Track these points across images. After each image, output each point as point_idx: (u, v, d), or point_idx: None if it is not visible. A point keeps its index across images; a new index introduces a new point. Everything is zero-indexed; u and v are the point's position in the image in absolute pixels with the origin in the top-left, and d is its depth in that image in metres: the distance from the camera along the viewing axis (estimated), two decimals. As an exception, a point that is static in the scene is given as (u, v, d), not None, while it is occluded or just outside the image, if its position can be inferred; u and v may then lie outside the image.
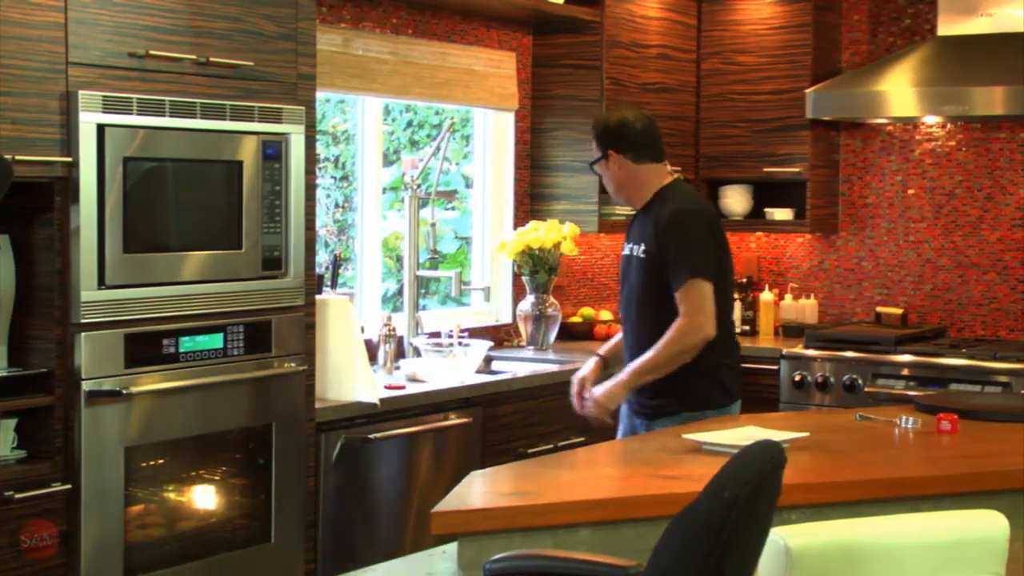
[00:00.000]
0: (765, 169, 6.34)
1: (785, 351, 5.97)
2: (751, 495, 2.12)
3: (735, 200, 6.49)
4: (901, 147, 6.40)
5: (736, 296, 6.41)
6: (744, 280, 6.55)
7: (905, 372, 5.71)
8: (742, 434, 3.54)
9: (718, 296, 4.12)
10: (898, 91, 5.86)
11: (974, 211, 6.25)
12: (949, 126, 6.28)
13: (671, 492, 3.03)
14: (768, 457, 2.19)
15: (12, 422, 3.47)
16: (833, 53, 6.43)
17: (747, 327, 6.44)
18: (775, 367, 5.96)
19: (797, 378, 5.88)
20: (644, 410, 4.21)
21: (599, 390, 4.19)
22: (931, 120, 6.18)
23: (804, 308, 6.47)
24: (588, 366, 4.36)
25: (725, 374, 4.23)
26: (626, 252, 4.33)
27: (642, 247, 4.21)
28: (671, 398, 4.14)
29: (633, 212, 4.39)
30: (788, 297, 6.52)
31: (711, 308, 4.08)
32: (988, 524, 2.55)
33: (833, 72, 6.34)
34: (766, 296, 6.48)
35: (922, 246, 6.36)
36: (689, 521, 2.13)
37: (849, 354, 5.82)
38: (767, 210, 6.44)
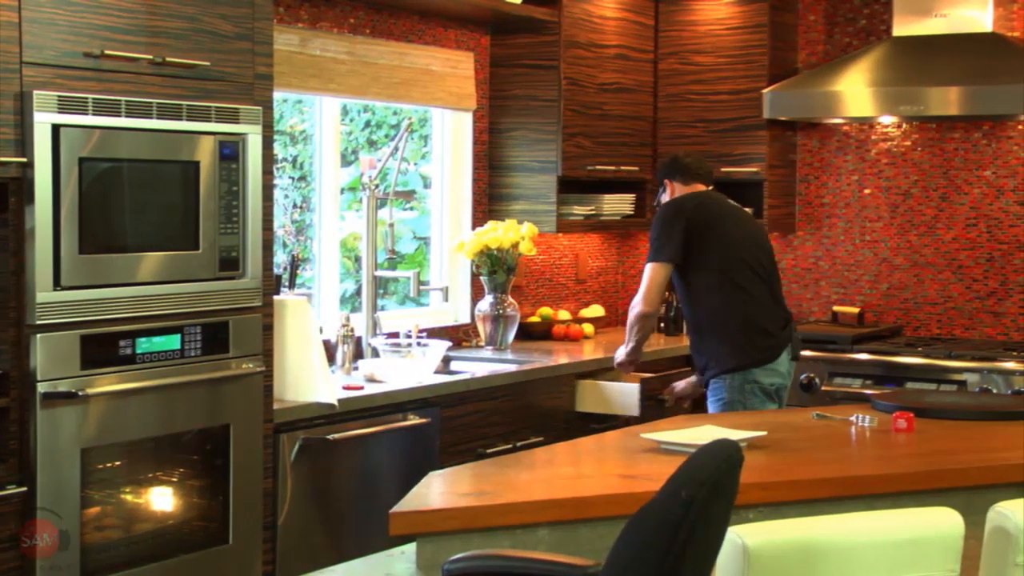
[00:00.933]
0: (723, 169, 6.35)
1: (743, 350, 5.98)
2: (708, 494, 2.13)
3: (693, 200, 6.51)
4: (857, 147, 6.44)
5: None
6: (702, 279, 6.56)
7: (862, 371, 5.74)
8: (699, 433, 3.56)
9: (703, 278, 4.93)
10: (854, 91, 5.90)
11: (929, 211, 6.30)
12: (905, 126, 6.32)
13: (628, 492, 3.04)
14: (725, 456, 2.20)
15: (-34, 424, 3.45)
16: (789, 53, 6.47)
17: (705, 326, 6.45)
18: (733, 366, 5.98)
19: (755, 377, 5.90)
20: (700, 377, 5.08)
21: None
22: (887, 120, 6.23)
23: (761, 307, 6.48)
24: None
25: (740, 335, 4.91)
26: None
27: None
28: (709, 359, 4.98)
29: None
30: (746, 296, 6.54)
31: (651, 290, 4.92)
32: (944, 522, 2.58)
33: (790, 72, 6.38)
34: (724, 295, 6.50)
35: (878, 245, 6.41)
36: (646, 520, 2.14)
37: (806, 353, 5.85)
38: (725, 210, 6.45)
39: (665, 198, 5.11)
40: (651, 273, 4.92)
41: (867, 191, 6.43)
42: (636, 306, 4.96)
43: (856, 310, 6.37)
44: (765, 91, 6.13)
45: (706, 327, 4.97)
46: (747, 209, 5.33)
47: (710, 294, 4.94)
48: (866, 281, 6.44)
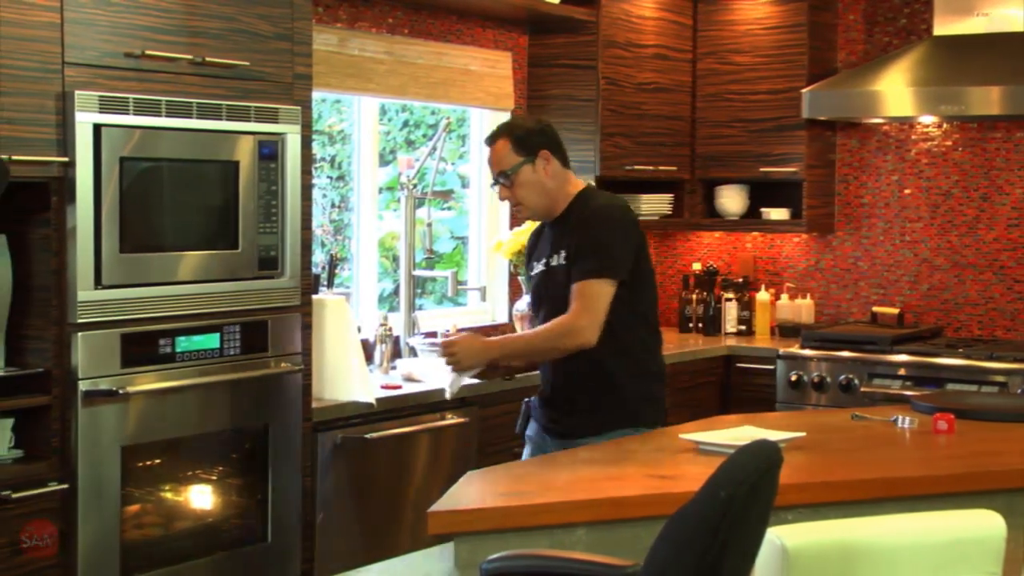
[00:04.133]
0: (761, 169, 6.34)
1: (781, 351, 5.97)
2: (748, 495, 2.13)
3: (731, 200, 6.50)
4: (897, 147, 6.40)
5: (733, 296, 6.44)
6: (740, 280, 6.55)
7: (901, 372, 5.71)
8: (738, 434, 3.55)
9: (640, 303, 3.87)
10: (894, 91, 5.87)
11: (970, 211, 6.25)
12: (945, 126, 6.28)
13: (667, 492, 3.03)
14: (765, 457, 2.19)
15: (9, 422, 3.47)
16: (829, 53, 6.43)
17: (743, 327, 6.44)
18: (771, 367, 5.97)
19: (793, 378, 5.89)
20: (558, 428, 3.90)
21: (464, 342, 3.87)
22: (927, 120, 6.18)
23: (800, 308, 6.47)
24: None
25: (656, 386, 3.96)
26: (539, 269, 3.95)
27: (563, 254, 3.85)
28: (620, 412, 3.84)
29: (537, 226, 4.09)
30: (784, 297, 6.53)
31: (601, 314, 3.73)
32: (985, 524, 2.56)
33: (829, 72, 6.34)
34: (762, 296, 6.49)
35: (918, 246, 6.37)
36: (686, 521, 2.13)
37: (845, 354, 5.83)
38: (763, 210, 6.44)
39: (526, 180, 3.90)
40: (604, 292, 3.75)
41: (907, 191, 6.39)
42: (581, 333, 3.72)
43: (896, 311, 6.33)
44: (804, 91, 6.10)
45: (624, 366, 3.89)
46: None
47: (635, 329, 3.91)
48: (906, 282, 6.40)
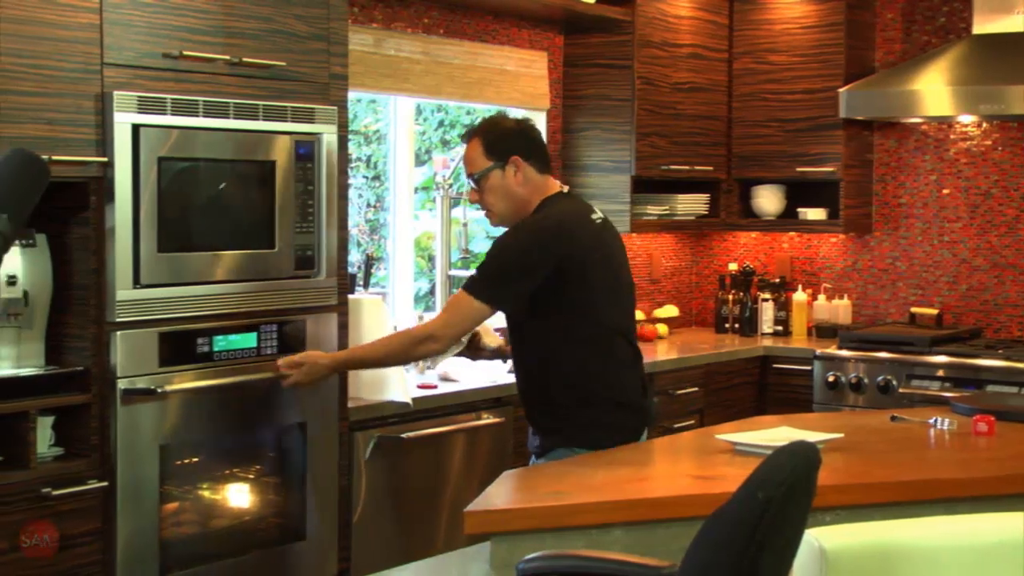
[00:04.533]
0: (798, 168, 6.31)
1: (818, 352, 5.95)
2: (786, 496, 2.11)
3: (768, 200, 6.48)
4: (936, 146, 6.36)
5: (769, 296, 6.42)
6: (777, 280, 6.53)
7: (940, 373, 5.68)
8: (775, 435, 3.53)
9: (579, 327, 3.62)
10: (933, 90, 5.83)
11: (1010, 211, 6.21)
12: (985, 125, 6.24)
13: (704, 493, 3.02)
14: (803, 458, 2.18)
15: (49, 420, 3.49)
16: (867, 52, 6.40)
17: (779, 327, 6.42)
18: (808, 368, 5.95)
19: (831, 379, 5.86)
20: (534, 450, 3.74)
21: (307, 359, 3.85)
22: (966, 119, 6.14)
23: (838, 308, 6.44)
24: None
25: (611, 413, 3.67)
26: None
27: None
28: (558, 436, 3.66)
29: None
30: (821, 297, 6.50)
31: (458, 328, 3.63)
32: (1025, 526, 2.54)
33: (867, 71, 6.31)
34: (799, 296, 6.46)
35: (957, 246, 6.33)
36: (723, 522, 2.12)
37: (883, 355, 5.80)
38: (800, 210, 6.41)
39: (494, 186, 3.72)
40: (470, 311, 3.62)
41: (946, 191, 6.35)
42: (432, 343, 3.67)
43: (935, 311, 6.29)
44: (841, 90, 6.07)
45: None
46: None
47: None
48: (944, 282, 6.36)
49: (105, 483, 3.53)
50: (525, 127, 3.78)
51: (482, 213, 3.89)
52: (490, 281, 3.59)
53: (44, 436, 3.48)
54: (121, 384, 3.55)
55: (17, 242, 3.38)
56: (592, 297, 3.64)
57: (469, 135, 3.79)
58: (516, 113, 5.96)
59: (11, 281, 3.40)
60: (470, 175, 3.78)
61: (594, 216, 3.76)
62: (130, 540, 3.58)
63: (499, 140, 3.72)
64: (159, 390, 3.62)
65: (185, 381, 3.70)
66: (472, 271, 3.70)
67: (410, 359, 3.83)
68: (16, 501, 3.35)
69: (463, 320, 3.62)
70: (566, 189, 3.83)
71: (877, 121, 6.37)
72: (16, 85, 3.32)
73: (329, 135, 4.05)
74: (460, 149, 5.51)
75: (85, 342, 3.53)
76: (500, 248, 3.63)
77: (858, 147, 6.37)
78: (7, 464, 3.39)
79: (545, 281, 3.57)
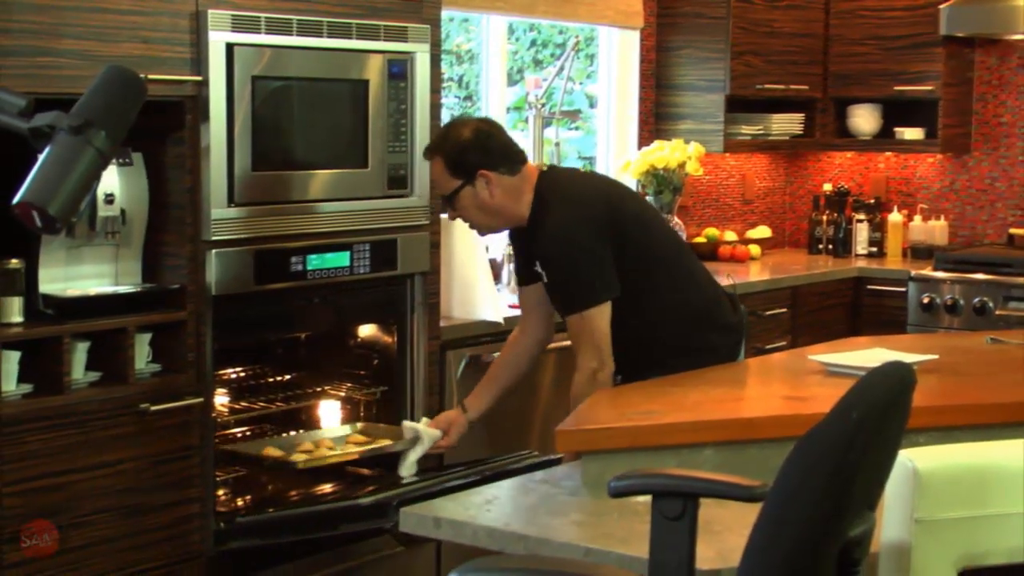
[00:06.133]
0: (895, 87, 6.20)
1: (913, 273, 5.87)
2: (880, 416, 2.10)
3: (864, 119, 6.37)
4: (1039, 64, 6.21)
5: (864, 217, 6.34)
6: (872, 201, 6.44)
7: (1038, 295, 5.58)
8: (869, 356, 3.50)
9: (656, 280, 3.57)
10: (1037, 6, 5.68)
11: (1114, 130, 6.06)
12: (1090, 42, 6.08)
13: (796, 413, 3.01)
14: (898, 378, 2.16)
15: (147, 336, 3.55)
16: (969, -33, 6.24)
17: (874, 248, 6.35)
18: (903, 289, 5.88)
19: (925, 300, 5.79)
20: None
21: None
22: (1071, 36, 5.99)
23: (934, 229, 6.34)
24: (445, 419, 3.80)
25: (706, 345, 3.64)
26: (520, 262, 3.72)
27: (539, 266, 3.55)
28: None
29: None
30: (917, 218, 6.40)
31: (604, 341, 3.46)
32: (1124, 449, 2.49)
33: (968, -13, 6.16)
34: (895, 217, 6.37)
35: (1058, 166, 6.19)
36: (816, 441, 2.11)
37: (980, 276, 5.71)
38: (897, 129, 6.31)
39: (467, 204, 3.54)
40: (594, 323, 3.48)
41: (1048, 110, 6.20)
42: (595, 377, 3.48)
43: (1034, 233, 6.18)
44: (942, 6, 5.93)
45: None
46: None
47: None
48: (1045, 203, 6.23)
49: (201, 399, 3.58)
50: (481, 135, 3.52)
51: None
52: (586, 283, 3.47)
53: (142, 352, 3.54)
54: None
55: (114, 161, 3.41)
56: (651, 246, 3.58)
57: (429, 153, 3.59)
58: (609, 31, 5.90)
59: (109, 199, 3.45)
60: (441, 196, 3.62)
61: (590, 177, 3.67)
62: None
63: (461, 156, 3.49)
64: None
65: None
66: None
67: (591, 395, 3.38)
68: (117, 415, 3.43)
69: (592, 334, 3.45)
70: (545, 167, 3.66)
71: (978, 38, 6.22)
72: (113, 3, 3.35)
73: (422, 54, 4.04)
74: (552, 69, 5.49)
75: (181, 260, 3.58)
76: (561, 259, 3.47)
77: (958, 65, 6.23)
78: (107, 379, 3.45)
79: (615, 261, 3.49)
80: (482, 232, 3.70)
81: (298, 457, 3.70)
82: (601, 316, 3.45)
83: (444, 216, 3.83)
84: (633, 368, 3.56)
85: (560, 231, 3.46)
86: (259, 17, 3.61)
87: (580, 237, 3.45)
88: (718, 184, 6.44)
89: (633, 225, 3.55)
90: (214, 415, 3.66)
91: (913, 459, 2.32)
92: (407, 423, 3.76)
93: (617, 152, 5.98)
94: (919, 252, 6.25)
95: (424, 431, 3.68)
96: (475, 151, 3.50)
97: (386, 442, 3.82)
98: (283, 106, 3.77)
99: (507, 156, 3.53)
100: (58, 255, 3.43)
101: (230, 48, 3.56)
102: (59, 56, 3.25)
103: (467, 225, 3.67)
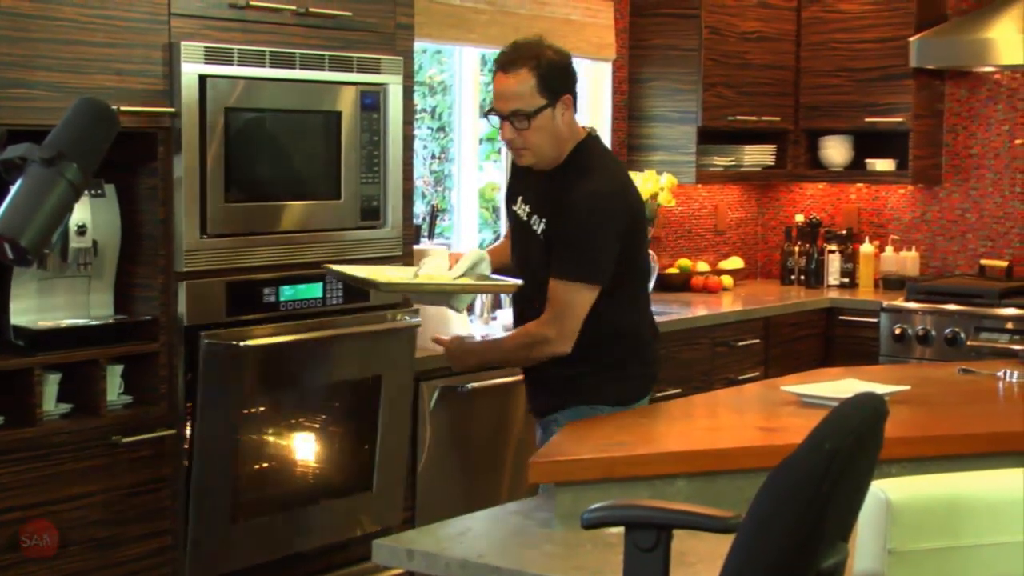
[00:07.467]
0: (867, 119, 6.24)
1: (885, 304, 5.90)
2: (852, 447, 2.10)
3: (835, 151, 6.41)
4: (1009, 96, 6.26)
5: (836, 248, 6.37)
6: (844, 232, 6.47)
7: (1009, 326, 5.61)
8: (842, 387, 3.51)
9: (628, 292, 3.46)
10: (1007, 38, 5.73)
11: (1083, 162, 6.11)
12: (1058, 74, 6.13)
13: (769, 444, 3.02)
14: (871, 409, 2.16)
15: (119, 368, 3.54)
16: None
17: (846, 279, 6.37)
18: (875, 320, 5.90)
19: (897, 331, 5.81)
20: (534, 409, 3.59)
21: (456, 344, 3.64)
22: (1039, 68, 6.04)
23: (905, 260, 6.37)
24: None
25: (631, 371, 3.52)
26: (522, 216, 3.48)
27: (543, 223, 3.41)
28: (560, 397, 3.46)
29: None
30: (889, 249, 6.43)
31: (575, 322, 3.32)
32: (1095, 480, 2.51)
33: (939, 19, 6.20)
34: (866, 248, 6.40)
35: (1028, 197, 6.23)
36: (789, 472, 2.11)
37: (951, 307, 5.74)
38: (868, 161, 6.34)
39: (541, 127, 3.34)
40: (581, 300, 3.35)
41: (1018, 141, 6.24)
42: (550, 344, 3.35)
43: (1004, 263, 6.21)
44: (912, 39, 5.98)
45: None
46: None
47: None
48: (1015, 234, 6.27)
49: (174, 431, 3.57)
50: (569, 59, 3.41)
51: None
52: (591, 258, 3.32)
53: (114, 384, 3.53)
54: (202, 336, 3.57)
55: (86, 192, 3.40)
56: (636, 259, 3.49)
57: (517, 63, 3.32)
58: (581, 63, 5.92)
59: (81, 231, 3.44)
60: (517, 111, 3.33)
61: (625, 171, 3.58)
62: (200, 488, 3.62)
63: (556, 75, 3.33)
64: (239, 344, 3.61)
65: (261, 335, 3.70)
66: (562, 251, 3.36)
67: (533, 362, 3.44)
68: (88, 447, 3.41)
69: (571, 308, 3.32)
70: (592, 129, 3.51)
71: (949, 70, 6.27)
72: (86, 36, 3.35)
73: (395, 85, 4.05)
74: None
75: (153, 291, 3.57)
76: (588, 223, 3.31)
77: (928, 97, 6.28)
78: (78, 411, 3.44)
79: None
80: (524, 161, 3.41)
81: (382, 278, 3.48)
82: (584, 296, 3.31)
83: (418, 247, 3.81)
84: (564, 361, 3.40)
85: (599, 200, 3.32)
86: (232, 49, 3.62)
87: (610, 217, 3.33)
88: (690, 215, 6.47)
89: (638, 233, 3.46)
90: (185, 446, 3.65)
91: (886, 490, 2.32)
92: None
93: (590, 183, 5.99)
94: (891, 283, 6.27)
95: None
96: (569, 75, 3.36)
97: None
98: (256, 137, 3.77)
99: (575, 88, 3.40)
100: (29, 287, 3.42)
101: (203, 80, 3.56)
102: (32, 88, 3.25)
103: (506, 156, 3.51)
